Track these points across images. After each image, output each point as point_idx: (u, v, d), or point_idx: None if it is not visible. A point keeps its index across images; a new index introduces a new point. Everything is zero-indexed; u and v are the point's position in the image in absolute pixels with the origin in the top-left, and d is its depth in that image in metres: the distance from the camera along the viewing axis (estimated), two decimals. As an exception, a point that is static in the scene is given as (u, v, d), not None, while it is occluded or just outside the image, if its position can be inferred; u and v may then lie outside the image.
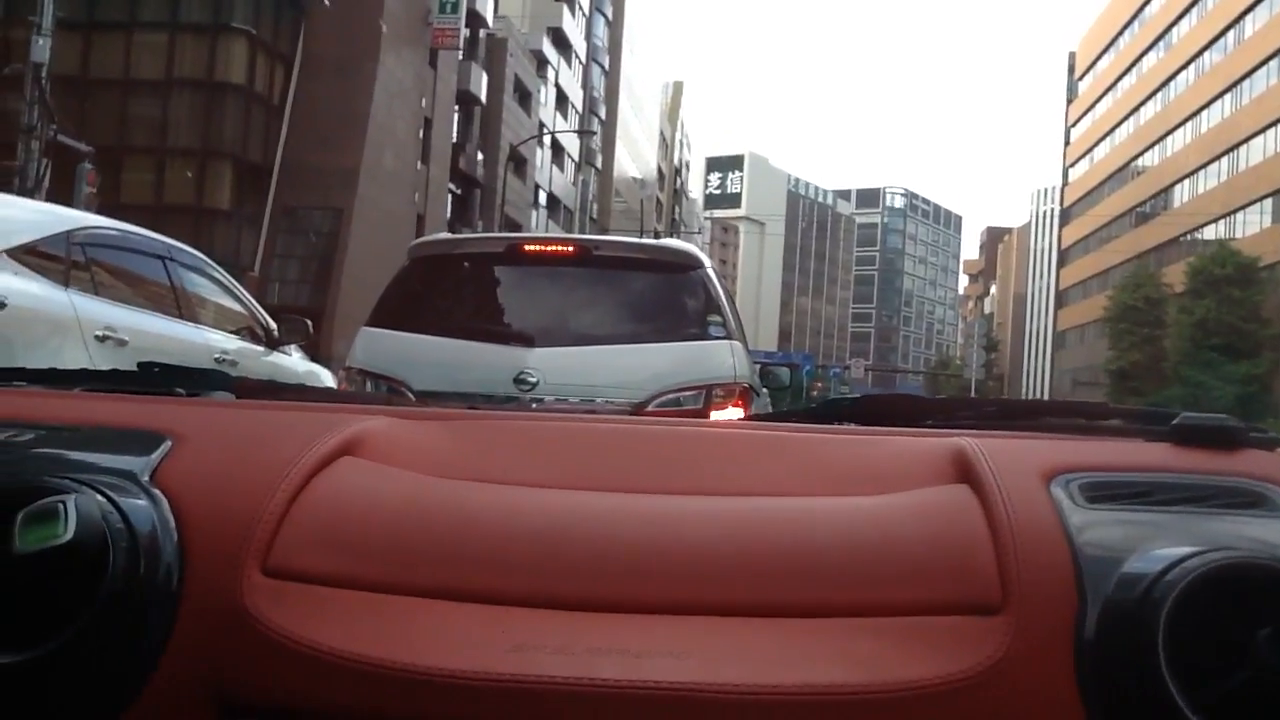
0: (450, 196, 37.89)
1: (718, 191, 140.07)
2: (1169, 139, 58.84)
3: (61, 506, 0.89)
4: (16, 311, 4.49)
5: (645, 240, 5.60)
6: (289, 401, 1.39)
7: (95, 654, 0.88)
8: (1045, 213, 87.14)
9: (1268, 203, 47.15)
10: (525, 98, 45.27)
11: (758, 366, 6.19)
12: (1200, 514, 1.01)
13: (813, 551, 0.96)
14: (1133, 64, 65.88)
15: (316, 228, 28.48)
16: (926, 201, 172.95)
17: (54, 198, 15.78)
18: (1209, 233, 51.84)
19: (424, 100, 33.20)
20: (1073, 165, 77.52)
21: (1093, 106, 73.64)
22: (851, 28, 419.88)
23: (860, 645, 0.89)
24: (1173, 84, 59.13)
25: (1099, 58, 73.25)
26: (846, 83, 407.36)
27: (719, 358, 4.72)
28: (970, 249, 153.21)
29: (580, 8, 55.81)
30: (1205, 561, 0.87)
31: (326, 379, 7.30)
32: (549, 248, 5.17)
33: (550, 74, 49.97)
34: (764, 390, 6.18)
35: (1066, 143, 79.66)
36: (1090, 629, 0.89)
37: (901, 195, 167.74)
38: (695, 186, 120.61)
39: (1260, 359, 41.86)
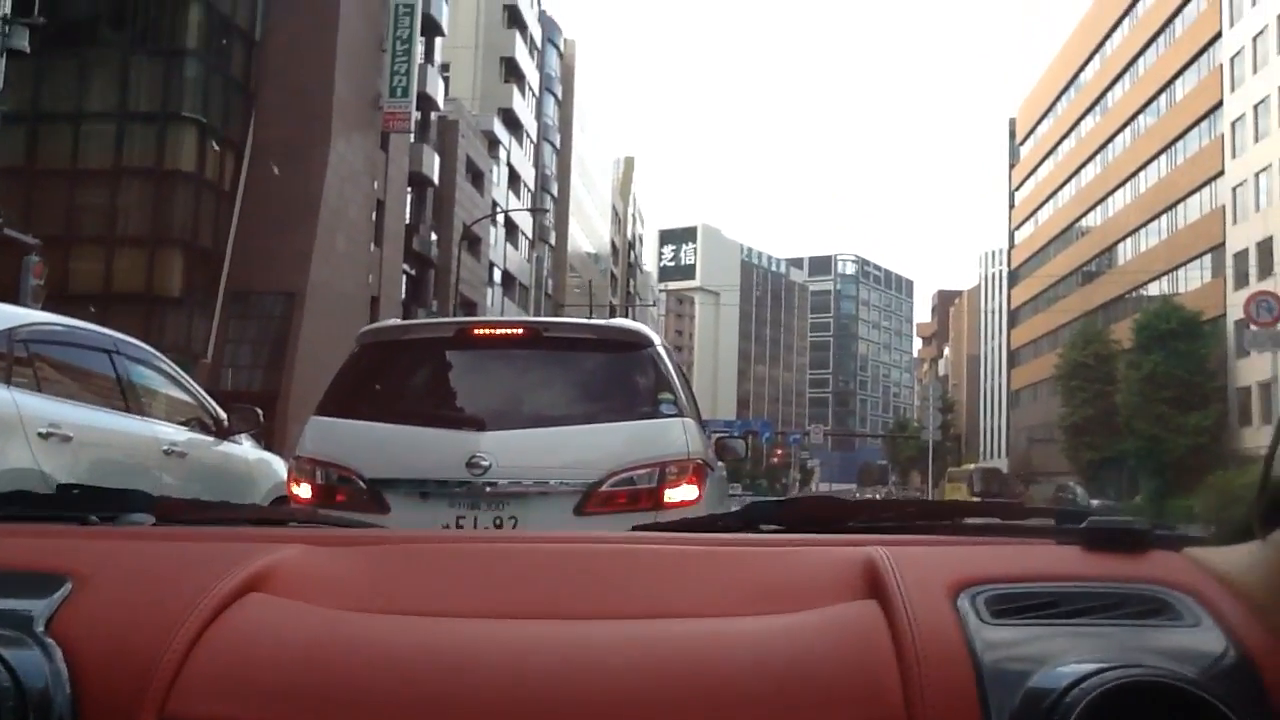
0: (405, 277, 37.93)
1: (672, 264, 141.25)
2: (1110, 199, 60.28)
3: None
4: (-44, 412, 4.41)
5: (594, 320, 5.63)
6: (206, 526, 1.36)
7: None
8: (994, 274, 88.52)
9: (1207, 258, 48.34)
10: (478, 177, 45.64)
11: (713, 440, 6.19)
12: (1107, 625, 1.01)
13: (722, 679, 0.96)
14: (1071, 128, 67.67)
15: (269, 312, 28.37)
16: (878, 267, 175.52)
17: None
18: (1153, 289, 52.93)
19: (376, 183, 33.37)
20: (1018, 227, 79.02)
21: (1035, 170, 75.37)
22: (798, 99, 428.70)
23: None
24: (1111, 146, 60.75)
25: (1039, 123, 75.18)
26: (795, 153, 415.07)
27: (671, 435, 4.72)
28: (922, 312, 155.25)
29: (530, 88, 56.60)
30: (1104, 681, 0.88)
31: (278, 466, 7.22)
32: (498, 331, 5.18)
33: (502, 153, 50.46)
34: (720, 464, 6.18)
35: (1011, 206, 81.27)
36: None
37: (853, 262, 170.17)
38: (649, 259, 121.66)
39: (1209, 410, 42.58)
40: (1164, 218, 53.02)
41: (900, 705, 0.92)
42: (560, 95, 63.06)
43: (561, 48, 64.05)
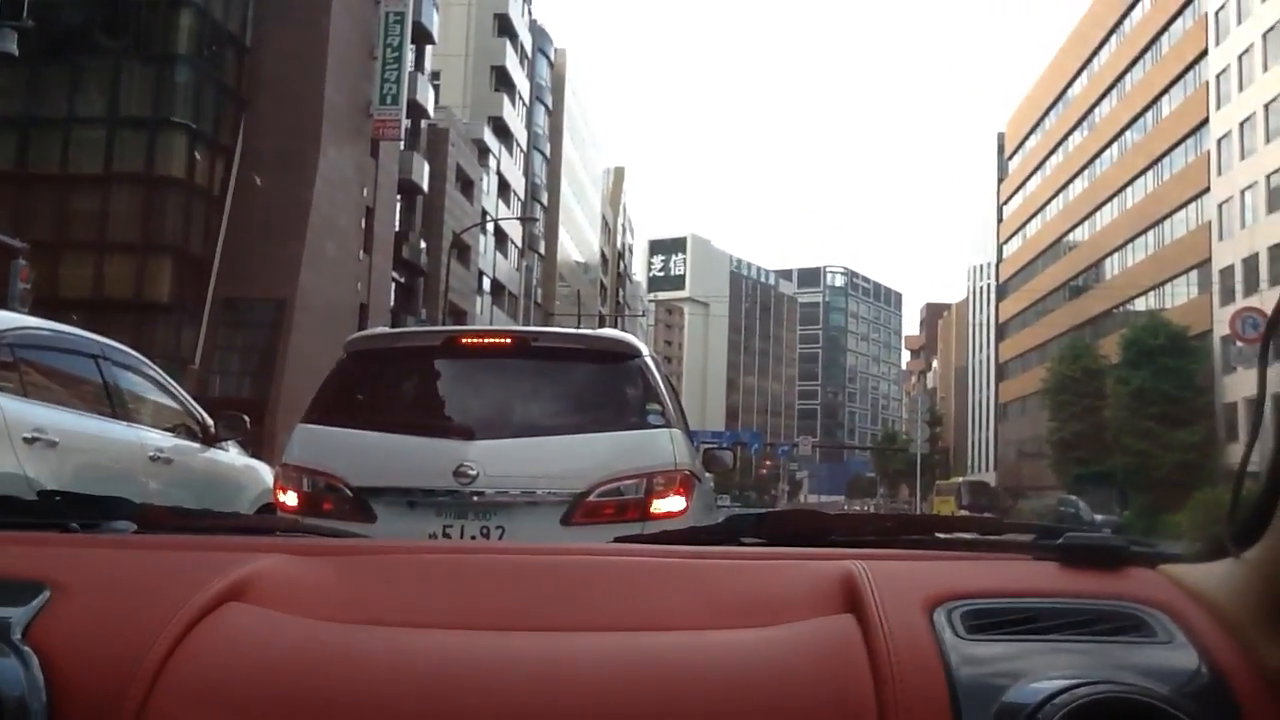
0: (394, 285, 37.89)
1: (661, 274, 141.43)
2: (1097, 214, 60.54)
3: None
4: (-59, 417, 4.40)
5: (583, 330, 5.63)
6: (188, 535, 1.36)
7: None
8: (982, 288, 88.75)
9: (1194, 274, 48.57)
10: (468, 185, 45.64)
11: (701, 451, 6.19)
12: (1081, 641, 1.02)
13: (700, 693, 0.96)
14: (1059, 143, 67.99)
15: (258, 319, 28.30)
16: (867, 280, 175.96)
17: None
18: (1140, 304, 53.15)
19: (366, 190, 33.35)
20: (1006, 241, 79.28)
21: (1023, 184, 75.67)
22: (789, 111, 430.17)
23: None
24: (1098, 162, 61.04)
25: (1027, 137, 75.52)
26: (785, 165, 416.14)
27: (659, 446, 4.72)
28: (911, 325, 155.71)
29: (520, 97, 56.66)
30: (1076, 697, 0.89)
31: (265, 474, 7.20)
32: (486, 340, 5.18)
33: (492, 162, 50.47)
34: (708, 475, 6.18)
35: (999, 220, 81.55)
36: None
37: (842, 274, 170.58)
38: (639, 269, 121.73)
39: (1196, 427, 42.68)
40: (1151, 233, 53.28)
41: (874, 718, 0.93)
42: (550, 104, 63.15)
43: (552, 57, 64.15)
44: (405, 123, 35.75)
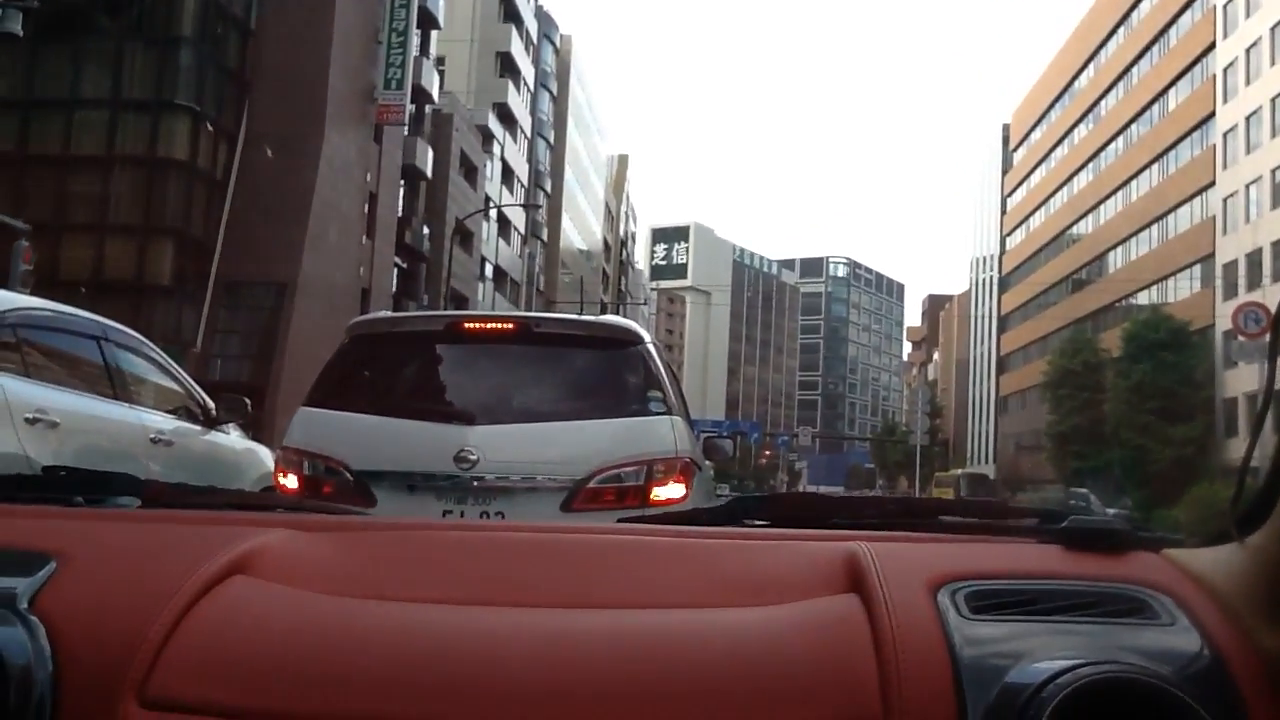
0: (396, 270, 37.87)
1: (664, 262, 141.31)
2: (1101, 208, 60.47)
3: None
4: (-57, 396, 4.40)
5: (585, 317, 5.62)
6: (193, 510, 1.36)
7: None
8: (984, 280, 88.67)
9: (1196, 269, 48.52)
10: (471, 172, 45.58)
11: (701, 439, 6.20)
12: (1084, 623, 1.03)
13: (703, 670, 0.96)
14: (1064, 135, 67.87)
15: (259, 303, 28.29)
16: (869, 270, 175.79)
17: (-12, 276, 15.57)
18: (1143, 298, 53.11)
19: (369, 175, 33.31)
20: (1009, 234, 79.23)
21: (1027, 177, 75.57)
22: (793, 101, 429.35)
23: None
24: (1103, 155, 60.94)
25: (1032, 129, 75.38)
26: (789, 154, 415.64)
27: (660, 433, 4.73)
28: (913, 316, 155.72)
29: (525, 84, 56.54)
30: (1079, 677, 0.89)
31: (265, 457, 7.21)
32: (488, 325, 5.17)
33: (496, 148, 50.39)
34: (708, 463, 6.19)
35: (1003, 212, 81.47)
36: None
37: (844, 264, 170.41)
38: (641, 257, 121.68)
39: (1195, 422, 42.70)
40: (1154, 227, 53.22)
41: (877, 698, 0.93)
42: (555, 91, 63.01)
43: (558, 44, 63.99)
44: (409, 108, 35.67)
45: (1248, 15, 45.06)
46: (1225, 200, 46.47)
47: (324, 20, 29.32)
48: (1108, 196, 59.31)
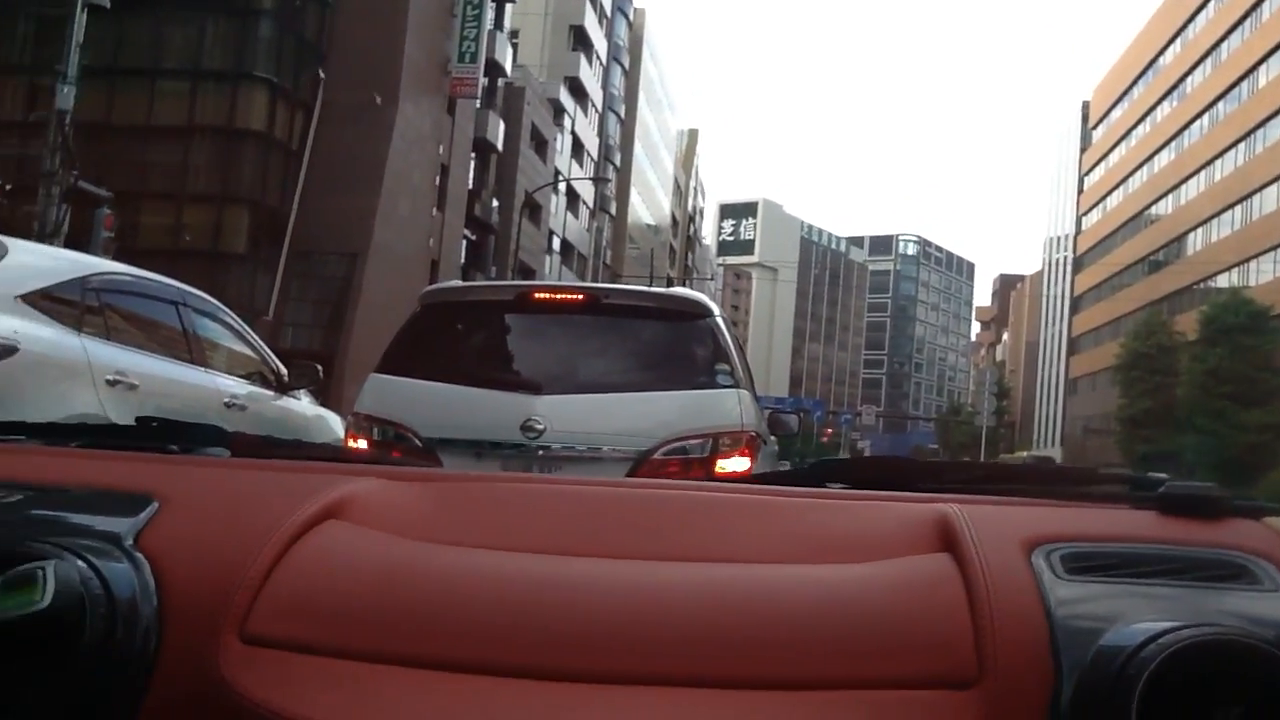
0: (465, 242, 38.13)
1: (731, 238, 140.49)
2: (1182, 188, 58.95)
3: (40, 573, 0.89)
4: (29, 356, 4.53)
5: (654, 289, 5.63)
6: (281, 460, 1.39)
7: (71, 719, 0.88)
8: (1058, 260, 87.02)
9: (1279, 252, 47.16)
10: (541, 145, 45.67)
11: (766, 414, 6.18)
12: (1182, 587, 1.00)
13: (792, 622, 0.95)
14: (1146, 113, 66.17)
15: (331, 272, 28.67)
16: (939, 249, 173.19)
17: (72, 242, 15.97)
18: (1222, 281, 51.76)
19: (441, 147, 33.51)
20: (1086, 213, 77.62)
21: (1106, 155, 73.88)
22: (865, 76, 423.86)
23: (837, 718, 0.89)
24: (1186, 133, 59.33)
25: (1113, 107, 73.62)
26: (860, 130, 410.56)
27: (726, 406, 4.72)
28: (983, 296, 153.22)
29: (597, 57, 56.42)
30: (1180, 638, 0.87)
31: (335, 424, 7.32)
32: (558, 296, 5.19)
33: (566, 122, 50.41)
34: (772, 438, 6.17)
35: (1080, 191, 79.84)
36: (1065, 704, 0.89)
37: (914, 242, 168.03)
38: (709, 233, 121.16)
39: (1272, 407, 41.53)
40: (1238, 208, 51.74)
41: (972, 656, 0.92)
42: (627, 65, 62.80)
43: (631, 17, 63.73)
44: (483, 81, 35.78)
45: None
46: (1313, 181, 45.05)
47: (400, -8, 29.50)
48: (1190, 176, 57.77)
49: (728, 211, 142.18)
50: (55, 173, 18.15)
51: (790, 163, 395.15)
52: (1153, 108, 65.23)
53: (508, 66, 40.00)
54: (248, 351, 6.66)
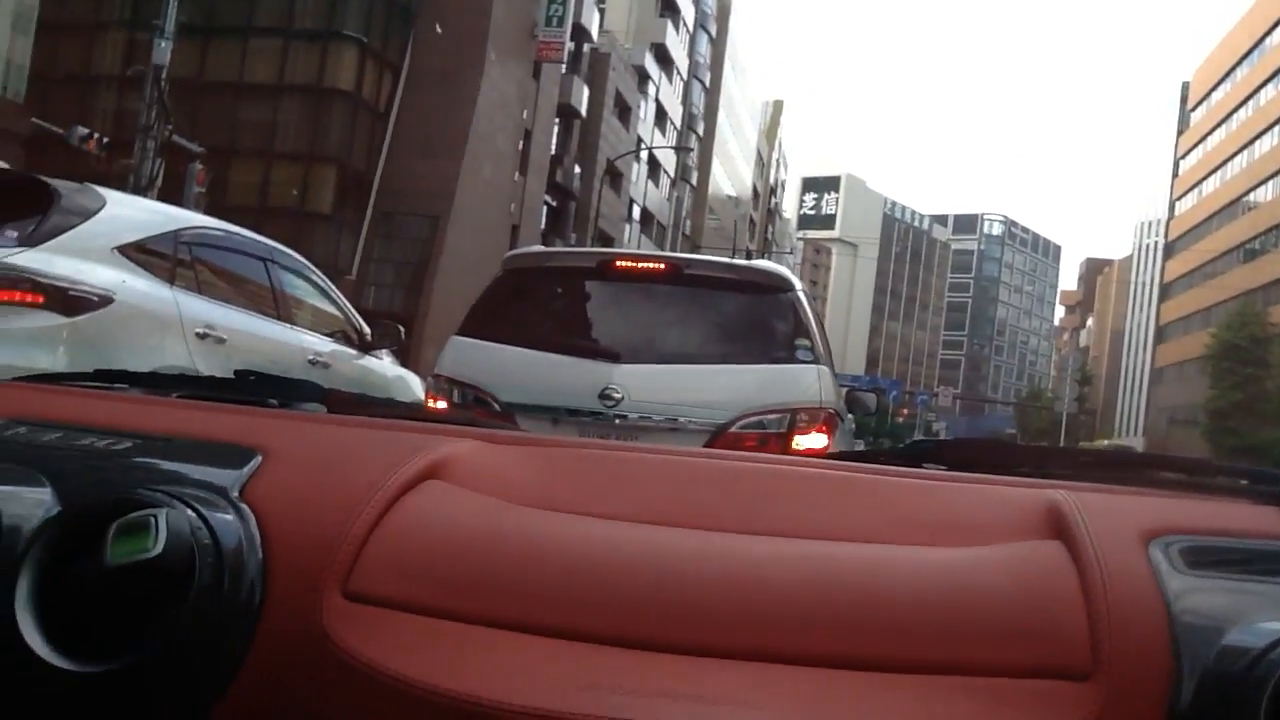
0: (545, 208, 38.27)
1: (812, 212, 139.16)
2: (1284, 174, 57.03)
3: (153, 521, 0.91)
4: (124, 307, 4.63)
5: (736, 260, 5.57)
6: (377, 418, 1.39)
7: (176, 666, 0.89)
8: (1148, 245, 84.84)
9: (1387, 244, 45.43)
10: (625, 112, 45.57)
11: (844, 391, 6.12)
12: None
13: (895, 603, 0.93)
14: (1250, 96, 63.96)
15: (413, 234, 28.99)
16: (1025, 230, 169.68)
17: (164, 196, 16.34)
18: (1323, 273, 50.09)
19: (525, 112, 33.61)
20: (1180, 198, 75.48)
21: (1204, 138, 71.66)
22: (953, 51, 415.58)
23: (941, 704, 0.86)
24: (1291, 118, 57.33)
25: (1214, 88, 71.28)
26: (947, 106, 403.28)
27: (805, 382, 4.68)
28: (1068, 280, 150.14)
29: (685, 24, 56.01)
30: None
31: (415, 384, 7.40)
32: (640, 264, 5.16)
33: (651, 89, 50.22)
34: (849, 415, 6.11)
35: (1175, 175, 77.61)
36: (1185, 702, 0.85)
37: (1000, 222, 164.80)
38: (790, 206, 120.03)
39: (1370, 406, 40.25)
40: (1342, 198, 49.96)
41: (1087, 648, 0.88)
42: (714, 33, 62.28)
43: (718, -15, 63.16)
44: (569, 46, 35.76)
45: None
46: None
47: (489, -44, 29.56)
48: (1293, 162, 55.86)
49: (810, 185, 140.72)
50: (151, 127, 18.56)
51: (875, 138, 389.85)
52: (1257, 90, 63.01)
53: (594, 32, 39.91)
54: (332, 310, 6.74)
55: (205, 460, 1.10)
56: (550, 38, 34.15)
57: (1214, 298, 61.70)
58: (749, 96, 75.68)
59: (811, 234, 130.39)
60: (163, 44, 18.39)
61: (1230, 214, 64.14)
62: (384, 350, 7.15)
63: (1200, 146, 72.45)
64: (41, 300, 4.32)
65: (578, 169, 40.55)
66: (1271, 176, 58.43)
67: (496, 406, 4.63)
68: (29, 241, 4.39)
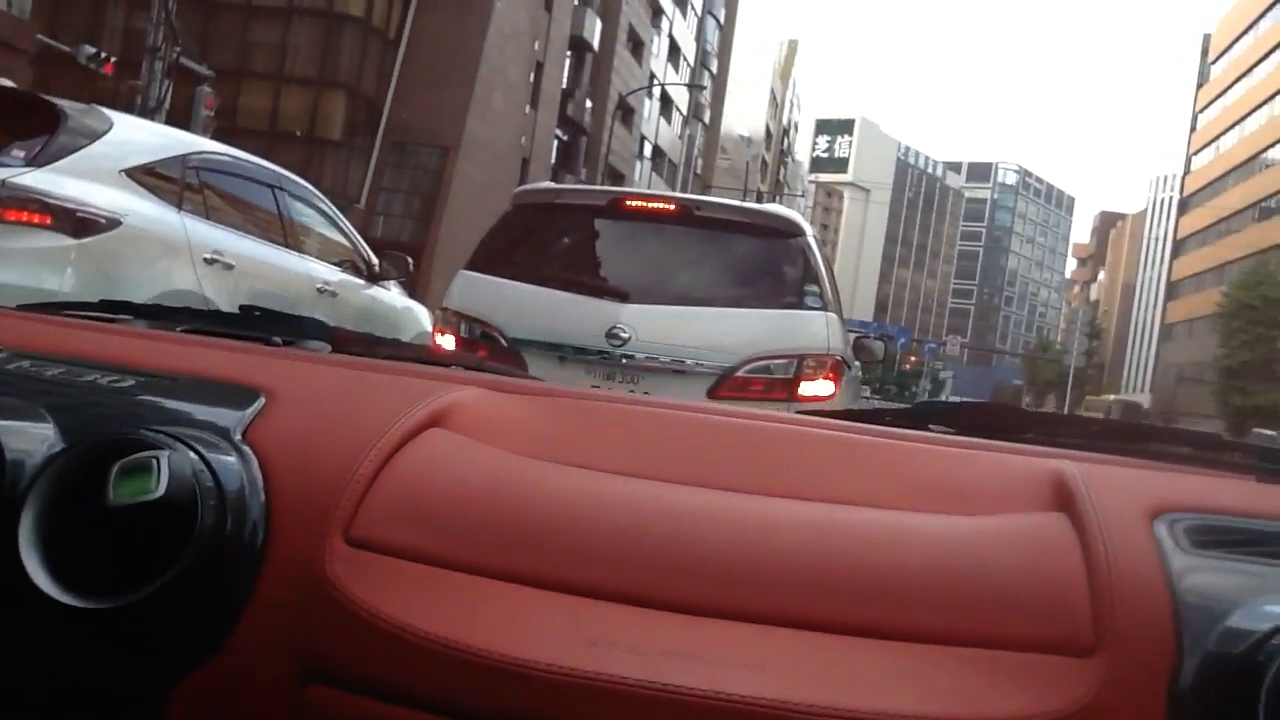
0: (556, 142, 37.98)
1: (825, 155, 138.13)
2: (1304, 132, 56.38)
3: (155, 462, 0.91)
4: (131, 230, 4.62)
5: (748, 204, 5.52)
6: (382, 360, 1.39)
7: (179, 606, 0.90)
8: (1163, 200, 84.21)
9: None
10: (638, 47, 45.03)
11: (852, 338, 6.10)
12: None
13: (901, 571, 0.92)
14: (1272, 49, 62.98)
15: (423, 164, 28.80)
16: (1040, 180, 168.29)
17: (173, 120, 16.21)
18: (1338, 233, 49.73)
19: (537, 44, 33.23)
20: (1197, 153, 74.69)
21: (1224, 92, 70.71)
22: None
23: (943, 675, 0.86)
24: (1314, 74, 56.52)
25: (1236, 41, 70.17)
26: (965, 52, 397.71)
27: (813, 328, 4.66)
28: (1081, 232, 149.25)
29: (701, -42, 55.20)
30: None
31: (423, 316, 7.40)
32: (651, 204, 5.12)
33: (664, 24, 49.56)
34: (856, 363, 6.10)
35: (1193, 129, 76.76)
36: (1187, 682, 0.84)
37: (1014, 172, 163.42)
38: (802, 148, 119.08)
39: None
40: (1362, 157, 49.42)
41: (1088, 622, 0.87)
42: (731, -32, 61.39)
43: (738, -81, 62.07)
44: (582, -23, 35.31)
45: None
46: None
47: (504, -118, 29.04)
48: (1313, 120, 55.17)
49: (823, 127, 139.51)
50: (159, 48, 18.36)
51: (891, 82, 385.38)
52: (1280, 44, 62.14)
53: (609, -36, 39.34)
54: (340, 239, 6.72)
55: (209, 400, 1.09)
56: (566, -32, 33.67)
57: (1227, 255, 61.32)
58: (764, 35, 74.69)
59: (824, 177, 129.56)
60: (172, -39, 18.15)
61: (1247, 170, 63.49)
62: (392, 281, 7.14)
63: (1220, 101, 71.52)
64: (49, 221, 4.30)
65: (589, 103, 40.17)
66: (1291, 133, 57.82)
67: (504, 342, 4.63)
68: (36, 162, 4.36)
